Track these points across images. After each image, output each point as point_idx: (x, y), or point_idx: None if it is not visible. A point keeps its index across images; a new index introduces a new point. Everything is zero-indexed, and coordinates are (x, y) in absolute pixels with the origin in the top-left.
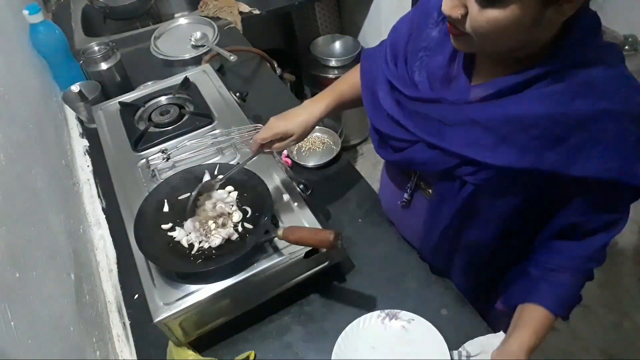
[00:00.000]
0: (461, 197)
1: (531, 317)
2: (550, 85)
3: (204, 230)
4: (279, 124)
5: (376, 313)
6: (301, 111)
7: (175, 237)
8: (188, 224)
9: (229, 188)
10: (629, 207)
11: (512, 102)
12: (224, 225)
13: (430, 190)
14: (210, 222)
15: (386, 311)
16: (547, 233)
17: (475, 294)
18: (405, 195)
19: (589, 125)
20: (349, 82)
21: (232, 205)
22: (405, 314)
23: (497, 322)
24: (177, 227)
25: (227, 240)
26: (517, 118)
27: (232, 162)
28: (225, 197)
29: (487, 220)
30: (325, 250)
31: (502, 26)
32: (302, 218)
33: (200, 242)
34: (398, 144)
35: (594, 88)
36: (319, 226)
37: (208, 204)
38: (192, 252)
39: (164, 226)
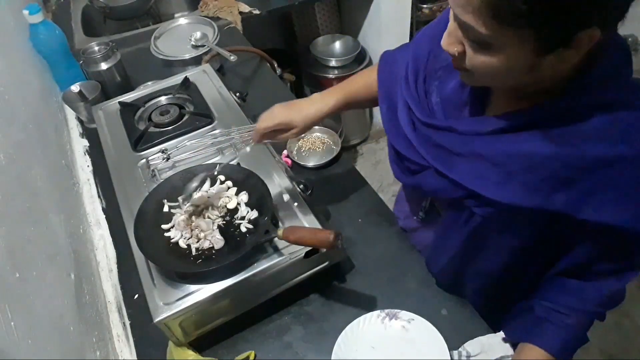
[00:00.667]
0: (469, 227)
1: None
2: (565, 124)
3: (191, 230)
4: (282, 114)
5: (376, 313)
6: (308, 104)
7: (172, 238)
8: (180, 223)
9: (228, 183)
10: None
11: (522, 139)
12: (229, 220)
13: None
14: (202, 222)
15: (386, 311)
16: (555, 270)
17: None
18: (421, 214)
19: (605, 169)
20: (364, 83)
21: (232, 199)
22: (405, 314)
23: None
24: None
25: (227, 240)
26: (525, 156)
27: (232, 162)
28: (225, 192)
29: (494, 252)
30: (325, 250)
31: (496, 69)
32: (302, 218)
33: (197, 242)
34: (412, 166)
35: (613, 131)
36: (319, 226)
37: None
38: (192, 253)
39: (164, 226)
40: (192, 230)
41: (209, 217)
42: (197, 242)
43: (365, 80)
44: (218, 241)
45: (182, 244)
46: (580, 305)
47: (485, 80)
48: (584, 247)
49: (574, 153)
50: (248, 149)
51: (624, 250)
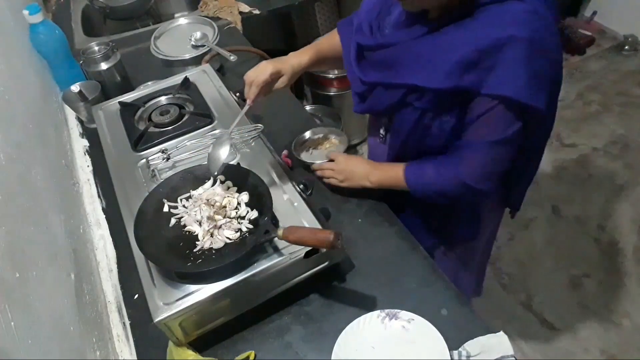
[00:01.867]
0: (412, 120)
1: (393, 170)
2: (474, 19)
3: (212, 222)
4: (270, 65)
5: (376, 313)
6: (289, 58)
7: (183, 221)
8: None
9: (228, 183)
10: (513, 127)
11: (443, 33)
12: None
13: None
14: (218, 216)
15: (386, 311)
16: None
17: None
18: (381, 131)
19: (499, 50)
20: (329, 43)
21: (234, 199)
22: (405, 314)
23: (441, 263)
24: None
25: (227, 241)
26: (445, 46)
27: (232, 162)
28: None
29: (433, 136)
30: (325, 250)
31: None
32: (302, 218)
33: (210, 234)
34: (361, 94)
35: (505, 19)
36: (319, 226)
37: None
38: (193, 251)
39: (169, 203)
40: (213, 224)
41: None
42: (209, 237)
43: (330, 41)
44: (218, 241)
45: (194, 228)
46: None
47: (421, 3)
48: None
49: (478, 36)
50: (249, 151)
51: (504, 123)
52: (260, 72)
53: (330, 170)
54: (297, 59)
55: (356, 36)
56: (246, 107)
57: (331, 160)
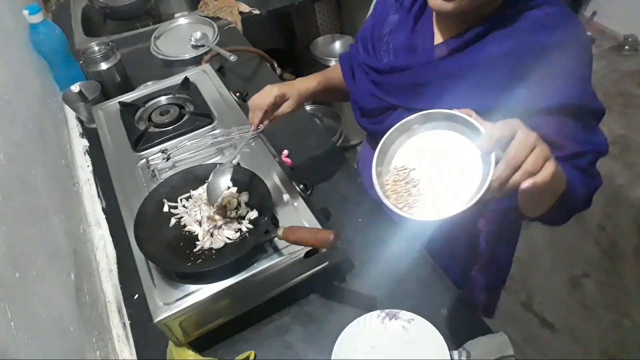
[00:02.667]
0: None
1: None
2: (506, 28)
3: (212, 222)
4: (274, 89)
5: (376, 313)
6: (296, 82)
7: (182, 220)
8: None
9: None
10: (600, 131)
11: (476, 49)
12: (237, 218)
13: None
14: (218, 216)
15: (386, 311)
16: None
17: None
18: None
19: (548, 56)
20: (336, 72)
21: (234, 199)
22: (405, 314)
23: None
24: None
25: (227, 241)
26: (483, 61)
27: (232, 162)
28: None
29: None
30: (325, 250)
31: None
32: (302, 218)
33: (210, 234)
34: (379, 117)
35: (545, 24)
36: (319, 226)
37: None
38: (193, 251)
39: (169, 203)
40: (213, 224)
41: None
42: (209, 237)
43: (337, 71)
44: (218, 241)
45: (194, 228)
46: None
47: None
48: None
49: (521, 47)
50: (249, 151)
51: (579, 130)
52: (265, 96)
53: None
54: (304, 84)
55: (359, 56)
56: (251, 134)
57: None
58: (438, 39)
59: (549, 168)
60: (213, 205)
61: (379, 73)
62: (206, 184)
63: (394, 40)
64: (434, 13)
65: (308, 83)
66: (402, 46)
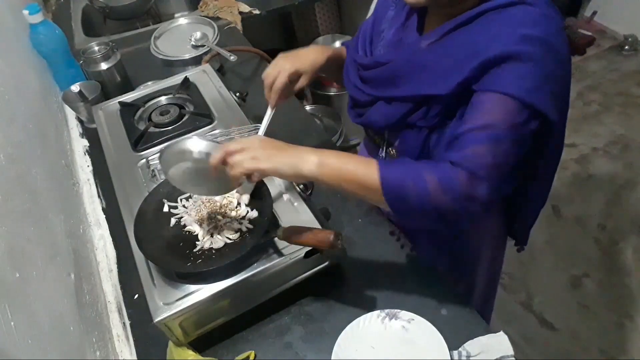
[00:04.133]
0: (418, 142)
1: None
2: (479, 22)
3: (212, 222)
4: (286, 65)
5: (376, 313)
6: (308, 53)
7: (182, 220)
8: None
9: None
10: (527, 137)
11: (448, 38)
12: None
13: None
14: (218, 216)
15: (386, 311)
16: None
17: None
18: (381, 153)
19: (511, 47)
20: (344, 51)
21: (234, 199)
22: (405, 314)
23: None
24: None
25: (227, 241)
26: (451, 51)
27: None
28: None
29: (441, 156)
30: (325, 250)
31: None
32: (302, 218)
33: (210, 235)
34: (364, 109)
35: (517, 19)
36: (319, 226)
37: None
38: (193, 251)
39: (169, 203)
40: (212, 223)
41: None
42: (209, 237)
43: (343, 50)
44: (218, 241)
45: (194, 229)
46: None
47: None
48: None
49: (488, 36)
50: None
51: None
52: (278, 72)
53: (240, 149)
54: (315, 55)
55: (353, 54)
56: (270, 113)
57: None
58: (426, 31)
59: (251, 163)
60: (212, 205)
61: (365, 69)
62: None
63: (386, 36)
64: (427, 8)
65: (320, 55)
66: (392, 42)
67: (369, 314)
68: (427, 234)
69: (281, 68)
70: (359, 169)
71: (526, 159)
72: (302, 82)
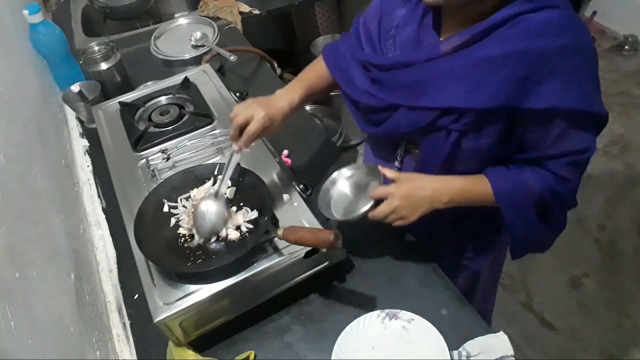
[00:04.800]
0: (447, 144)
1: (472, 179)
2: (510, 29)
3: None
4: (261, 112)
5: (376, 313)
6: (278, 100)
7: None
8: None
9: (228, 183)
10: (594, 139)
11: (479, 48)
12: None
13: (417, 151)
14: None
15: (386, 311)
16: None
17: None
18: (396, 163)
19: (549, 60)
20: (316, 74)
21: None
22: (405, 314)
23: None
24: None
25: (227, 240)
26: (486, 61)
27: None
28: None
29: (467, 163)
30: (325, 250)
31: None
32: (302, 218)
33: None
34: (379, 116)
35: (550, 28)
36: (319, 226)
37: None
38: (193, 251)
39: (169, 203)
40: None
41: None
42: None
43: (317, 72)
44: (236, 234)
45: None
46: (535, 177)
47: None
48: (538, 138)
49: (525, 47)
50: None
51: (574, 134)
52: (250, 116)
53: (390, 212)
54: (287, 101)
55: (360, 53)
56: (236, 157)
57: (378, 201)
58: (444, 34)
59: (398, 223)
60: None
61: (381, 70)
62: (196, 216)
63: (401, 34)
64: (442, 8)
65: (289, 98)
66: (409, 41)
67: (369, 314)
68: (430, 231)
69: (254, 113)
70: (479, 192)
71: None
72: (274, 131)
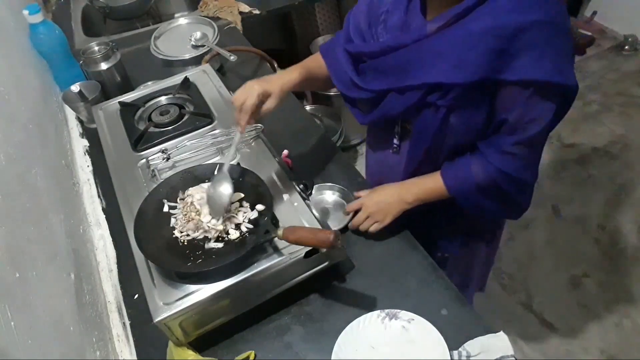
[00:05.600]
0: (437, 120)
1: (430, 177)
2: (487, 6)
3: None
4: (257, 86)
5: (376, 313)
6: (277, 76)
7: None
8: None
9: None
10: (552, 110)
11: (459, 27)
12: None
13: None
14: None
15: (386, 311)
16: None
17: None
18: (395, 141)
19: (522, 35)
20: (317, 61)
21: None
22: (405, 314)
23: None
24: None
25: (228, 240)
26: (465, 37)
27: (232, 162)
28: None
29: (456, 138)
30: (325, 250)
31: None
32: (302, 218)
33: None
34: (366, 106)
35: (523, 2)
36: (319, 226)
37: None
38: (193, 251)
39: (169, 203)
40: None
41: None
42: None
43: (317, 61)
44: (236, 234)
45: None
46: (484, 148)
47: None
48: (509, 106)
49: (501, 23)
50: (249, 152)
51: (539, 105)
52: (247, 94)
53: (365, 219)
54: (285, 78)
55: (349, 46)
56: (238, 135)
57: (355, 212)
58: (430, 16)
59: (375, 226)
60: (219, 218)
61: (372, 57)
62: (206, 197)
63: (391, 19)
64: None
65: (289, 76)
66: (398, 25)
67: (369, 314)
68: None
69: (249, 89)
70: (437, 189)
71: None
72: (270, 103)
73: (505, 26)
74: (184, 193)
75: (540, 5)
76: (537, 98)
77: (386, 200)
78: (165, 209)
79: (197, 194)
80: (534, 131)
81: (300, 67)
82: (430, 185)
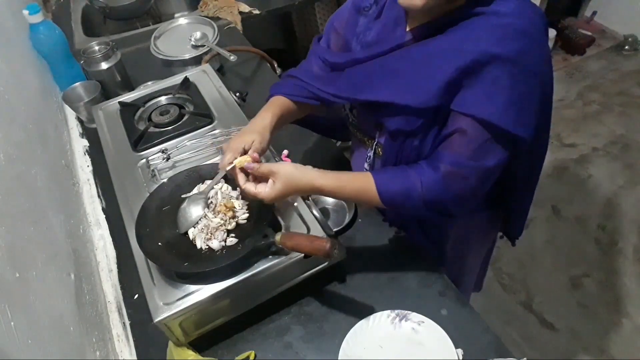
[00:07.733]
0: (395, 148)
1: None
2: (464, 28)
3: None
4: (237, 140)
5: (386, 313)
6: (254, 122)
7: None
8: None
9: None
10: (504, 154)
11: (430, 42)
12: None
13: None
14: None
15: (396, 311)
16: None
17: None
18: (368, 160)
19: (482, 67)
20: (279, 100)
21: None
22: (415, 316)
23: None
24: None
25: (227, 241)
26: (429, 53)
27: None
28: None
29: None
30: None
31: None
32: (302, 219)
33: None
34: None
35: (498, 32)
36: (319, 226)
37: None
38: (193, 251)
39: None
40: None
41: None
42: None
43: (280, 100)
44: (217, 244)
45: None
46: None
47: None
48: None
49: (464, 49)
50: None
51: (479, 145)
52: (235, 150)
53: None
54: (260, 121)
55: (324, 55)
56: (220, 174)
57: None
58: (409, 26)
59: (264, 195)
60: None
61: (335, 68)
62: (179, 211)
63: (365, 36)
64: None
65: (264, 119)
66: (374, 43)
67: (379, 313)
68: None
69: (235, 147)
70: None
71: (506, 167)
72: (256, 146)
73: (469, 52)
74: (191, 192)
75: (515, 39)
76: (478, 132)
77: (298, 177)
78: (166, 208)
79: (216, 186)
80: (461, 158)
81: (271, 106)
82: (360, 179)
